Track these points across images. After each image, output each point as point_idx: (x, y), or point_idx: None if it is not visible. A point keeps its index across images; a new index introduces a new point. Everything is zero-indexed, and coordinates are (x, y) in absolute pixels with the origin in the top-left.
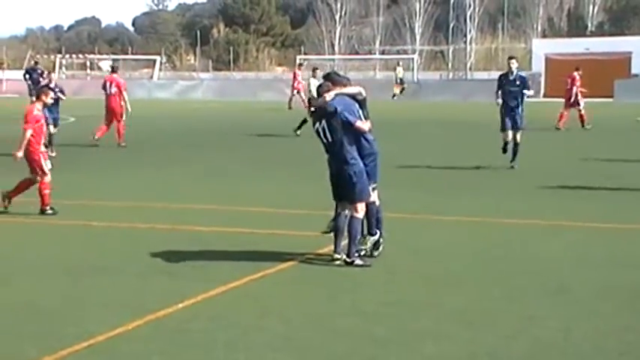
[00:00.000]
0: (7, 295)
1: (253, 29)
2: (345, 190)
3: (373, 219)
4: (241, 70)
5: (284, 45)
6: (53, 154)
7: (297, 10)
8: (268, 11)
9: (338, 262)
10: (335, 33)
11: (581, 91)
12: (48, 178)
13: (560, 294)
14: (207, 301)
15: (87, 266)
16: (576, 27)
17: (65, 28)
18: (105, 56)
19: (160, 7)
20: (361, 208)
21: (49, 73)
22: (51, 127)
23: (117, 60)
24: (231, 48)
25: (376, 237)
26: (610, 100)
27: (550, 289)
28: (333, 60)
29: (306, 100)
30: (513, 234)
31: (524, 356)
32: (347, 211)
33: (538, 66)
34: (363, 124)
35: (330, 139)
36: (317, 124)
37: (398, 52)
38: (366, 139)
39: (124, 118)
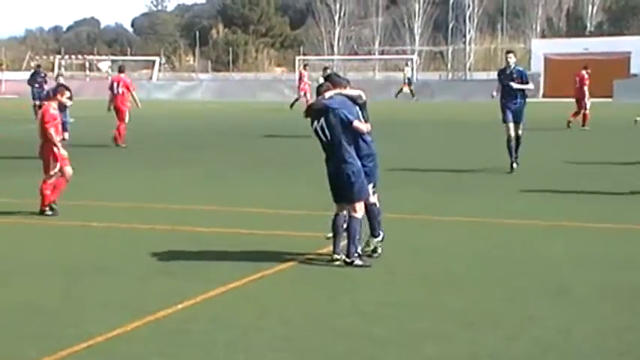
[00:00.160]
0: (6, 296)
1: (252, 30)
2: (343, 189)
3: (375, 221)
4: (240, 70)
5: (283, 46)
6: None
7: (296, 11)
8: (267, 12)
9: (337, 263)
10: (334, 33)
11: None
12: (51, 180)
13: (561, 294)
14: (207, 301)
15: (86, 267)
16: (575, 27)
17: (64, 29)
18: (104, 57)
19: (159, 7)
20: (360, 207)
21: (58, 76)
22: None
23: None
24: (231, 49)
25: (379, 238)
26: (609, 100)
27: (550, 289)
28: (333, 60)
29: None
30: (513, 234)
31: (525, 357)
32: (345, 212)
33: (537, 66)
34: (362, 125)
35: (328, 138)
36: (315, 123)
37: (397, 53)
38: (365, 140)
39: (126, 120)
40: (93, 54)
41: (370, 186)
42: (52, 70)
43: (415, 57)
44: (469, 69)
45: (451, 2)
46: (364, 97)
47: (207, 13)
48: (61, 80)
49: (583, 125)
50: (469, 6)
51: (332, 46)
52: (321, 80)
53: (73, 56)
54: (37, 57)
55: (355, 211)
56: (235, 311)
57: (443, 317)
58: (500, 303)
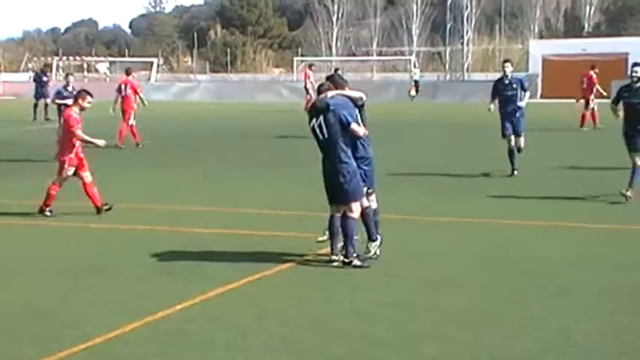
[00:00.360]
0: (5, 296)
1: (250, 31)
2: (338, 189)
3: (371, 224)
4: (238, 71)
5: (281, 47)
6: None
7: (294, 12)
8: (265, 13)
9: (336, 264)
10: (332, 34)
11: (597, 89)
12: (58, 183)
13: (560, 295)
14: (206, 302)
15: (85, 267)
16: (573, 28)
17: (62, 31)
18: (102, 58)
19: (157, 9)
20: (356, 207)
21: (67, 75)
22: None
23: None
24: (229, 50)
25: (377, 242)
26: (607, 101)
27: (550, 290)
28: (331, 62)
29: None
30: (513, 235)
31: (525, 357)
32: (339, 213)
33: (535, 67)
34: (359, 128)
35: (326, 136)
36: (313, 121)
37: (395, 54)
38: (362, 143)
39: (131, 122)
40: (91, 55)
41: (365, 189)
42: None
43: (413, 58)
44: (467, 70)
45: (449, 3)
46: (365, 99)
47: (205, 14)
48: (71, 80)
49: (581, 125)
50: (467, 7)
51: (330, 47)
52: None
53: (71, 57)
54: (35, 58)
55: (351, 211)
56: (234, 312)
57: (442, 318)
58: (500, 303)
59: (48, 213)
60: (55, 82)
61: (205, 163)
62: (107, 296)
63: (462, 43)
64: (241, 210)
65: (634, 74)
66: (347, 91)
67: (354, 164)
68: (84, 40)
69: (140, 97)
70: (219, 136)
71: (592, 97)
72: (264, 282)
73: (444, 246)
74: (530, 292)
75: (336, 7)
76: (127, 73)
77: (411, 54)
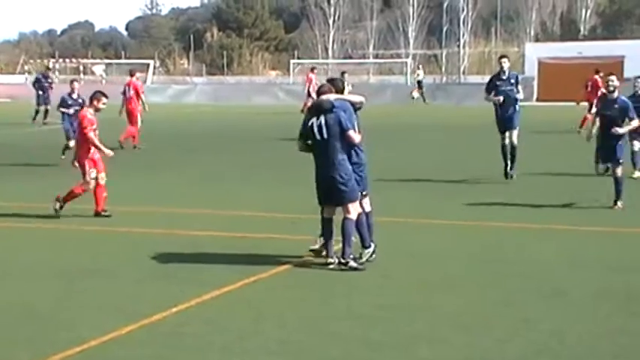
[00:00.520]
0: (0, 299)
1: (247, 33)
2: (335, 190)
3: (365, 231)
4: (235, 74)
5: (277, 49)
6: (63, 157)
7: (290, 14)
8: (262, 15)
9: (332, 266)
10: (329, 37)
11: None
12: (87, 186)
13: (555, 297)
14: (202, 305)
15: (81, 270)
16: (569, 31)
17: (58, 33)
18: (98, 60)
19: (154, 11)
20: (353, 208)
21: (72, 81)
22: (71, 142)
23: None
24: (225, 52)
25: (371, 250)
26: None
27: (544, 292)
28: (327, 64)
29: None
30: (507, 237)
31: (519, 359)
32: (334, 215)
33: (531, 70)
34: (356, 135)
35: (325, 137)
36: (314, 120)
37: (391, 57)
38: (355, 149)
39: (139, 124)
40: (87, 57)
41: (359, 192)
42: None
43: (409, 60)
44: (463, 72)
45: (445, 6)
46: (364, 103)
47: (201, 16)
48: (76, 86)
49: (580, 127)
50: (463, 10)
51: (326, 50)
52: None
53: (67, 60)
54: (32, 60)
55: (349, 212)
56: (230, 314)
57: (437, 320)
58: (495, 306)
59: (57, 207)
60: (55, 84)
61: (202, 166)
62: (103, 299)
63: (458, 46)
64: (237, 212)
65: (610, 83)
66: (348, 95)
67: (350, 166)
68: (80, 42)
69: (141, 99)
70: (215, 139)
71: (596, 100)
72: (260, 284)
73: (439, 248)
74: (524, 294)
75: (332, 9)
76: (131, 74)
77: (407, 56)
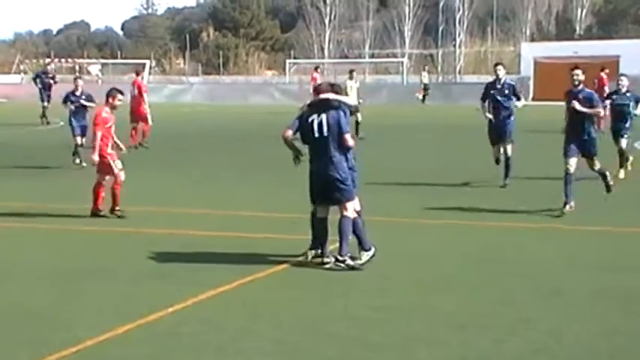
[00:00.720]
0: None
1: (243, 33)
2: (334, 189)
3: (363, 234)
4: (231, 73)
5: (273, 49)
6: (83, 165)
7: (286, 14)
8: (258, 15)
9: (328, 266)
10: (324, 37)
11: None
12: (121, 179)
13: (552, 297)
14: (198, 304)
15: (78, 270)
16: (565, 31)
17: (54, 33)
18: (94, 60)
19: (150, 11)
20: (350, 207)
21: (76, 79)
22: (77, 138)
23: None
24: (221, 52)
25: (371, 253)
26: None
27: (542, 291)
28: (323, 64)
29: None
30: (504, 237)
31: (516, 359)
32: (327, 214)
33: (527, 69)
34: (351, 140)
35: (324, 135)
36: (314, 117)
37: (387, 56)
38: (348, 154)
39: (150, 121)
40: (83, 57)
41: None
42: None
43: (405, 60)
44: (459, 72)
45: (441, 5)
46: (357, 108)
47: (197, 16)
48: (80, 84)
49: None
50: (459, 9)
51: (322, 50)
52: (349, 82)
53: (63, 60)
54: (27, 60)
55: (347, 210)
56: (226, 314)
57: (434, 320)
58: (492, 305)
59: (118, 212)
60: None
61: (198, 165)
62: (99, 299)
63: (454, 46)
64: (234, 212)
65: (575, 77)
66: (344, 97)
67: (346, 165)
68: (76, 42)
69: (144, 99)
70: (211, 138)
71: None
72: (257, 284)
73: (436, 248)
74: (521, 294)
75: (328, 9)
76: (137, 73)
77: (403, 56)
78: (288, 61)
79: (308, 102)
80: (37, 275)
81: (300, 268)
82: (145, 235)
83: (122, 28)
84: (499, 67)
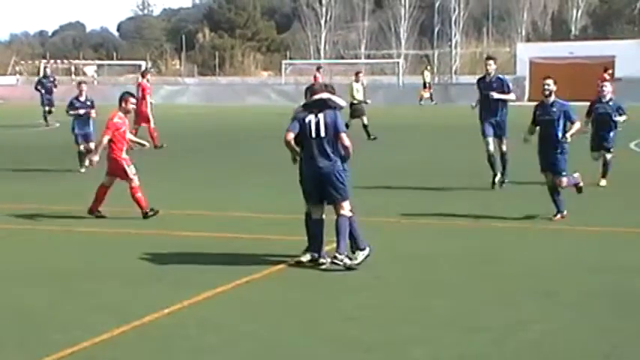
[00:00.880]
0: None
1: (239, 34)
2: (331, 189)
3: (356, 234)
4: (227, 74)
5: (269, 50)
6: (82, 171)
7: (282, 15)
8: (254, 16)
9: (325, 267)
10: (320, 38)
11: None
12: (136, 183)
13: (548, 297)
14: (194, 306)
15: (73, 271)
16: (560, 31)
17: (50, 34)
18: (90, 61)
19: (145, 12)
20: (347, 205)
21: (80, 84)
22: (82, 145)
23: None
24: (217, 53)
25: (366, 252)
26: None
27: (538, 292)
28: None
29: None
30: (499, 238)
31: (512, 359)
32: (323, 215)
33: (522, 70)
34: (348, 140)
35: (321, 135)
36: (310, 117)
37: (383, 57)
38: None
39: (152, 123)
40: (79, 58)
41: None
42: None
43: (401, 61)
44: (455, 72)
45: (437, 6)
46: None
47: (193, 17)
48: (84, 89)
49: None
50: (455, 10)
51: (318, 50)
52: (354, 84)
53: (59, 61)
54: (23, 61)
55: (343, 209)
56: (222, 316)
57: (430, 321)
58: (487, 306)
59: (151, 213)
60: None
61: (194, 167)
62: (95, 301)
63: (450, 46)
64: (230, 213)
65: (546, 87)
66: (336, 98)
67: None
68: (71, 43)
69: (147, 101)
70: (208, 139)
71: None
72: (253, 286)
73: (432, 248)
74: (517, 294)
75: (324, 10)
76: (143, 75)
77: (399, 57)
78: (284, 61)
79: (302, 103)
80: (31, 277)
81: (296, 269)
82: (140, 237)
83: (118, 29)
84: (490, 61)
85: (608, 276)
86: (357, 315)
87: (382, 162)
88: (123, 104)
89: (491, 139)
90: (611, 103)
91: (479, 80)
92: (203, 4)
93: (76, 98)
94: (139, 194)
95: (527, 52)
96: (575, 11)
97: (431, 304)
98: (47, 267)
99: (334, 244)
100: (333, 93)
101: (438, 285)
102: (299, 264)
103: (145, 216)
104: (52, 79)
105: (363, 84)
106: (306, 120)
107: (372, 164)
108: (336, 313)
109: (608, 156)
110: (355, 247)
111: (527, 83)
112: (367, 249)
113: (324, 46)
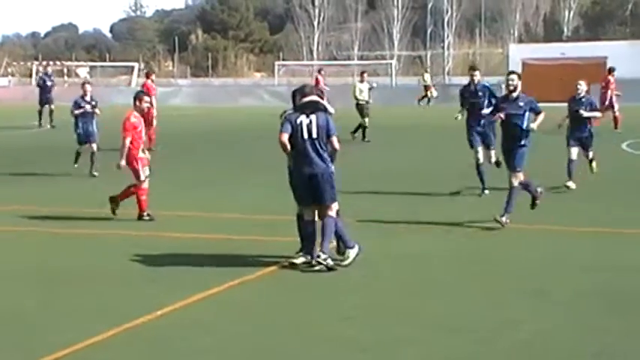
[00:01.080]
0: None
1: (231, 35)
2: (321, 190)
3: (342, 233)
4: (219, 76)
5: (262, 51)
6: (95, 174)
7: (275, 16)
8: (246, 17)
9: (317, 268)
10: (313, 39)
11: (616, 94)
12: (145, 185)
13: (539, 297)
14: (186, 308)
15: (66, 273)
16: (552, 32)
17: (42, 35)
18: (82, 63)
19: (138, 13)
20: (335, 207)
21: (84, 84)
22: (86, 146)
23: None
24: (210, 54)
25: (356, 249)
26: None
27: (529, 292)
28: (312, 66)
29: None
30: (491, 238)
31: (503, 359)
32: (315, 216)
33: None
34: (337, 143)
35: (313, 136)
36: (302, 118)
37: (376, 58)
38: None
39: (154, 124)
40: (71, 60)
41: None
42: (30, 75)
43: (394, 62)
44: (448, 73)
45: (429, 7)
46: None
47: (186, 18)
48: (88, 89)
49: (615, 127)
50: (447, 11)
51: (311, 52)
52: (359, 85)
53: (51, 62)
54: (15, 63)
55: (331, 209)
56: (215, 317)
57: (422, 322)
58: (478, 306)
59: (146, 217)
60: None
61: (187, 168)
62: (87, 302)
63: (443, 47)
64: (223, 215)
65: (510, 82)
66: (325, 102)
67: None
68: (64, 44)
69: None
70: (201, 141)
71: (614, 99)
72: (247, 287)
73: (423, 250)
74: (508, 294)
75: (317, 11)
76: (147, 75)
77: (392, 58)
78: (276, 63)
79: (294, 105)
80: (23, 279)
81: (289, 271)
82: (133, 238)
83: (110, 31)
84: (475, 72)
85: (599, 275)
86: (349, 316)
87: (375, 163)
88: (137, 103)
89: (480, 148)
90: (583, 100)
91: (463, 89)
92: (196, 6)
93: (82, 97)
94: (144, 197)
95: (519, 53)
96: (567, 12)
97: (423, 304)
98: (39, 269)
99: (334, 245)
100: (322, 98)
101: (429, 285)
102: (292, 266)
103: (140, 218)
104: (52, 78)
105: (370, 84)
106: (298, 121)
107: (365, 165)
108: (329, 314)
109: (591, 154)
110: (344, 246)
111: (519, 84)
112: (356, 247)
113: (317, 47)
